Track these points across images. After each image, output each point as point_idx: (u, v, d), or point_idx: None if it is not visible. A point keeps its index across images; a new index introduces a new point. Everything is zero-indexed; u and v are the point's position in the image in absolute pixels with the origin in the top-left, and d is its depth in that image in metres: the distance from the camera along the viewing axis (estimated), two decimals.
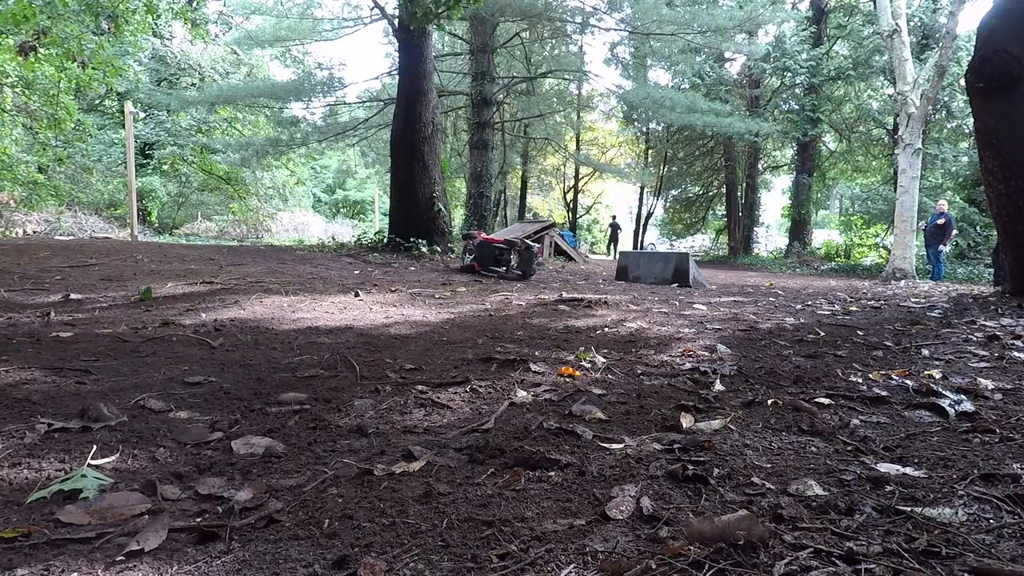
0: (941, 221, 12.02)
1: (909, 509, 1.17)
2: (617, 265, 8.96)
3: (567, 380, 2.32)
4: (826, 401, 2.03)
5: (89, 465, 1.42)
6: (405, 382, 2.24)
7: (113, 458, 1.49)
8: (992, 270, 10.97)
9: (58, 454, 1.50)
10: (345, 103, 18.04)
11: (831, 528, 1.11)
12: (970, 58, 4.88)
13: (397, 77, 10.13)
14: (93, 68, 9.41)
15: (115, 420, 1.71)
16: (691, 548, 1.01)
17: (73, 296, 4.16)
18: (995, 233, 6.22)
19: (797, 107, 20.01)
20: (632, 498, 1.25)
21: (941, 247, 12.08)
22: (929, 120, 14.36)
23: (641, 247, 24.58)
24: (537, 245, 8.79)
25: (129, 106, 10.92)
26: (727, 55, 20.78)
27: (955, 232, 13.13)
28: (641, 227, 26.58)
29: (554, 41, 20.57)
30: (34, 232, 14.36)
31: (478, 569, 0.99)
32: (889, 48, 12.21)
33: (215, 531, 1.11)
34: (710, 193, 25.81)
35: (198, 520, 1.17)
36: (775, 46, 18.82)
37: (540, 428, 1.73)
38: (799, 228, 20.94)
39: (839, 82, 19.34)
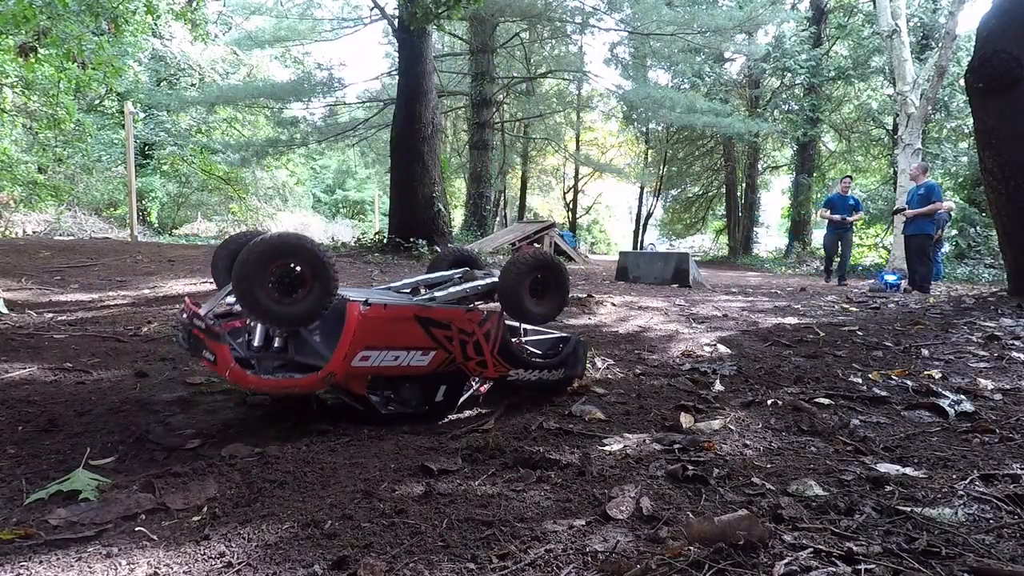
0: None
1: (909, 509, 1.17)
2: (617, 265, 8.96)
3: None
4: (826, 401, 2.03)
5: (88, 465, 1.42)
6: None
7: (112, 458, 1.49)
8: (992, 270, 10.94)
9: (57, 454, 1.50)
10: (345, 103, 18.02)
11: (831, 528, 1.11)
12: (970, 58, 4.87)
13: (397, 77, 10.12)
14: (93, 68, 9.39)
15: (114, 421, 1.71)
16: (691, 548, 1.01)
17: (73, 296, 4.16)
18: (995, 233, 6.21)
19: (797, 107, 19.98)
20: (632, 498, 1.25)
21: (935, 245, 12.03)
22: (929, 120, 14.34)
23: (641, 247, 24.57)
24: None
25: (129, 106, 10.91)
26: (727, 55, 20.75)
27: (947, 224, 13.06)
28: (641, 227, 26.59)
29: (554, 41, 20.56)
30: (34, 232, 14.34)
31: (478, 569, 0.99)
32: (889, 48, 12.21)
33: (215, 530, 1.11)
34: (710, 193, 25.78)
35: (196, 520, 1.17)
36: (775, 46, 18.80)
37: (540, 428, 1.73)
38: (799, 228, 20.92)
39: (839, 82, 19.30)
